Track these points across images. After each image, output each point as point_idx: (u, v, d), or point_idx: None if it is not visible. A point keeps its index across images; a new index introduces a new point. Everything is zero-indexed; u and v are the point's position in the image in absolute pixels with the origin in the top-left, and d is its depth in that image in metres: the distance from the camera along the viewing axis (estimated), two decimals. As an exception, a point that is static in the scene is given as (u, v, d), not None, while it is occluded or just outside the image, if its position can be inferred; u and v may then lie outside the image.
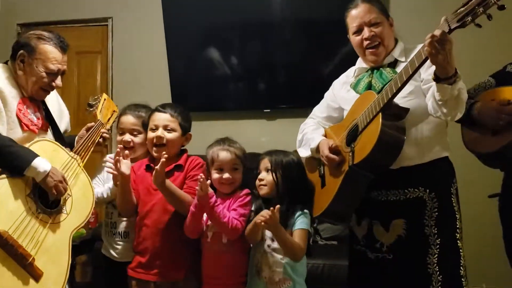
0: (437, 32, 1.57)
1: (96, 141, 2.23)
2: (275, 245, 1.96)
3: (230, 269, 2.03)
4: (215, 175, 2.07)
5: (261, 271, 1.98)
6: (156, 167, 1.96)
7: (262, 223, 1.86)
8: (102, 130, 2.26)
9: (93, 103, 2.39)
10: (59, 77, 2.12)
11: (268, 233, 1.98)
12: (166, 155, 1.96)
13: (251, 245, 2.07)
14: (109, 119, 2.40)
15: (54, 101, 2.30)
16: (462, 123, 2.16)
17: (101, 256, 2.35)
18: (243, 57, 3.91)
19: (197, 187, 1.92)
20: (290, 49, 3.79)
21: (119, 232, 2.26)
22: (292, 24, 3.79)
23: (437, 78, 1.68)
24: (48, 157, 1.96)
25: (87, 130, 2.26)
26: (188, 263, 2.10)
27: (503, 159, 2.14)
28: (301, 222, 1.96)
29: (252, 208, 2.05)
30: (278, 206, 1.86)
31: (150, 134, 2.18)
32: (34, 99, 2.13)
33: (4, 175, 1.86)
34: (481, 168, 2.29)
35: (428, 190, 1.89)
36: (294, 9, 3.77)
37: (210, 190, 1.94)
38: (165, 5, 3.94)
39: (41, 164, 1.88)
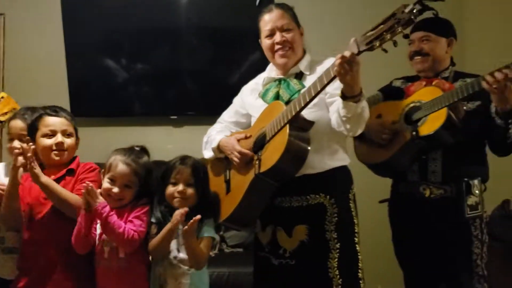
0: (347, 54, 1.64)
1: None
2: (182, 255, 1.92)
3: (130, 285, 1.94)
4: (106, 184, 1.95)
5: (165, 284, 1.92)
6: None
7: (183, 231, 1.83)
8: None
9: None
10: None
11: (173, 244, 1.93)
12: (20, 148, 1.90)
13: (151, 258, 2.00)
14: (5, 113, 2.25)
15: None
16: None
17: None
18: (149, 63, 3.82)
19: (86, 196, 1.84)
20: (197, 56, 3.78)
21: (8, 247, 2.11)
22: (198, 31, 3.78)
23: (343, 96, 1.76)
24: None
25: None
26: (82, 276, 1.99)
27: (389, 169, 2.30)
28: (207, 230, 1.95)
29: (153, 220, 1.97)
30: (199, 216, 1.83)
31: (47, 141, 2.02)
32: None
33: None
34: (376, 176, 2.44)
35: (328, 196, 1.97)
36: (200, 16, 3.76)
37: (102, 200, 1.87)
38: (65, 3, 3.73)
39: None
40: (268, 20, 2.03)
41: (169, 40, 3.79)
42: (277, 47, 2.02)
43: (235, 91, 2.31)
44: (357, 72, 1.67)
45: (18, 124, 2.15)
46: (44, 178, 1.92)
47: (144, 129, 3.81)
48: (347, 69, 1.65)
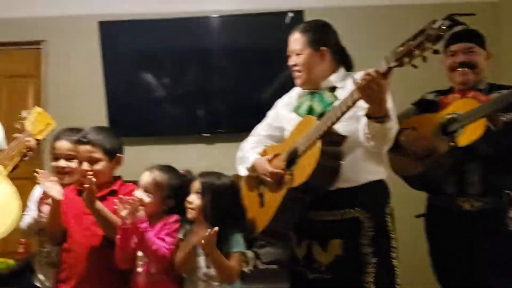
0: (372, 71, 1.65)
1: (23, 151, 2.14)
2: (211, 272, 1.93)
3: None
4: (136, 192, 2.05)
5: None
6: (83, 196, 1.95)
7: (201, 244, 1.84)
8: (27, 138, 2.16)
9: (25, 116, 2.28)
10: None
11: (202, 261, 1.95)
12: (89, 185, 1.95)
13: (183, 274, 2.01)
14: (41, 131, 2.28)
15: None
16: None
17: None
18: (181, 82, 3.91)
19: (125, 209, 1.89)
20: (228, 75, 3.85)
21: (53, 261, 2.16)
22: (230, 51, 3.85)
23: (368, 114, 1.75)
24: None
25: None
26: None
27: (425, 182, 2.26)
28: (236, 245, 1.95)
29: (181, 236, 1.99)
30: (216, 228, 1.84)
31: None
32: None
33: None
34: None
35: (363, 211, 1.94)
36: (232, 37, 3.84)
37: (143, 215, 1.92)
38: (102, 28, 3.88)
39: None
40: (289, 41, 2.09)
41: (200, 60, 3.87)
42: (292, 68, 2.09)
43: (265, 109, 2.33)
44: (381, 92, 1.66)
45: (65, 145, 2.22)
46: (98, 205, 1.98)
47: (176, 147, 3.87)
48: (370, 87, 1.64)
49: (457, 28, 2.09)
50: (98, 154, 2.10)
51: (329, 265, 1.95)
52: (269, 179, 2.02)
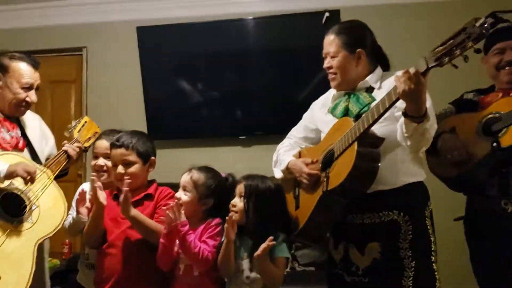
0: (412, 70, 1.62)
1: (74, 156, 2.26)
2: (254, 275, 1.93)
3: None
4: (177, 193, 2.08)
5: None
6: (120, 199, 1.98)
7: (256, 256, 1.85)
8: (68, 145, 2.25)
9: (74, 125, 2.40)
10: (33, 91, 2.20)
11: (245, 264, 1.96)
12: (127, 188, 1.97)
13: (225, 279, 2.02)
14: (89, 139, 2.39)
15: (36, 126, 2.35)
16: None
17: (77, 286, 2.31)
18: (218, 85, 3.95)
19: (168, 212, 1.91)
20: (265, 77, 3.85)
21: (91, 263, 2.23)
22: (266, 53, 3.86)
23: (405, 113, 1.72)
24: None
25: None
26: None
27: (465, 183, 2.21)
28: (281, 250, 1.94)
29: (223, 239, 1.98)
30: (271, 238, 1.84)
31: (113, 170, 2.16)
32: (10, 119, 2.19)
33: None
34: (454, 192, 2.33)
35: (402, 213, 1.91)
36: (267, 38, 3.85)
37: (184, 218, 1.93)
38: (140, 34, 3.97)
39: None
40: (324, 43, 2.07)
41: (237, 63, 3.90)
42: (327, 71, 2.07)
43: (302, 110, 2.32)
44: (420, 92, 1.63)
45: (104, 144, 2.28)
46: (133, 212, 2.01)
47: (214, 149, 3.91)
48: (409, 86, 1.61)
49: (500, 26, 2.04)
50: (131, 157, 2.11)
51: (367, 268, 1.93)
52: (305, 181, 2.01)
